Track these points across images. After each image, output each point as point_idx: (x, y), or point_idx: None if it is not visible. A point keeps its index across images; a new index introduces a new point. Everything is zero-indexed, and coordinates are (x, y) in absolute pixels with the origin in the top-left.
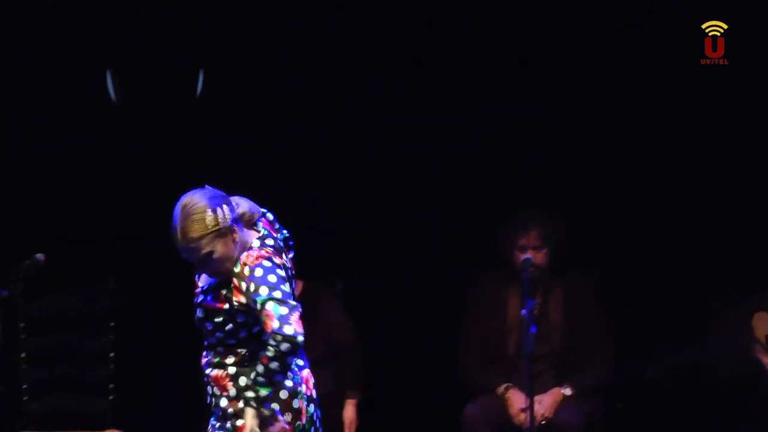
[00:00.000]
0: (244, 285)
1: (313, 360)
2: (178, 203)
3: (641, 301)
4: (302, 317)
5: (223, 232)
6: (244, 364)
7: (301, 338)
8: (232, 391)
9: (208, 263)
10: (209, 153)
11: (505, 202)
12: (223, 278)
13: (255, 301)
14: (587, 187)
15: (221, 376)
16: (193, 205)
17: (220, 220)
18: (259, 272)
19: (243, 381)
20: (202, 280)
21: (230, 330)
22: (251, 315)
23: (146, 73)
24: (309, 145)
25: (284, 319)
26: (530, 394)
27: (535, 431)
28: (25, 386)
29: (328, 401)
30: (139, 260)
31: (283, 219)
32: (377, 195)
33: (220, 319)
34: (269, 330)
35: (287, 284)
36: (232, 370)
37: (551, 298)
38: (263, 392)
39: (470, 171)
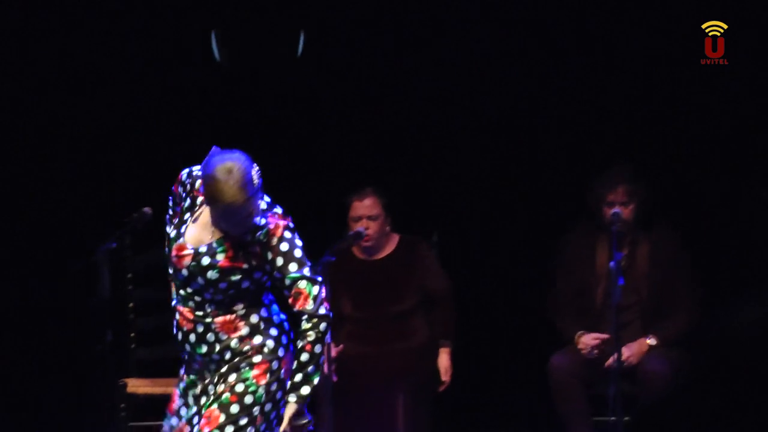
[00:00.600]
0: (269, 255)
1: (410, 309)
2: (216, 168)
3: (728, 254)
4: (400, 268)
5: (259, 191)
6: (251, 305)
7: (331, 315)
8: (245, 330)
9: (245, 223)
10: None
11: (595, 158)
12: (236, 239)
13: (284, 276)
14: (669, 145)
15: (229, 320)
16: (239, 168)
17: (258, 179)
18: (284, 246)
19: (255, 318)
20: (193, 241)
21: (246, 287)
22: (266, 272)
23: (249, 34)
24: (403, 97)
25: (318, 299)
26: (617, 343)
27: (619, 376)
28: (132, 335)
29: (424, 350)
30: None
31: (381, 171)
32: (471, 147)
33: (238, 277)
34: (300, 308)
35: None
36: (241, 311)
37: (638, 250)
38: (316, 379)
39: (563, 128)
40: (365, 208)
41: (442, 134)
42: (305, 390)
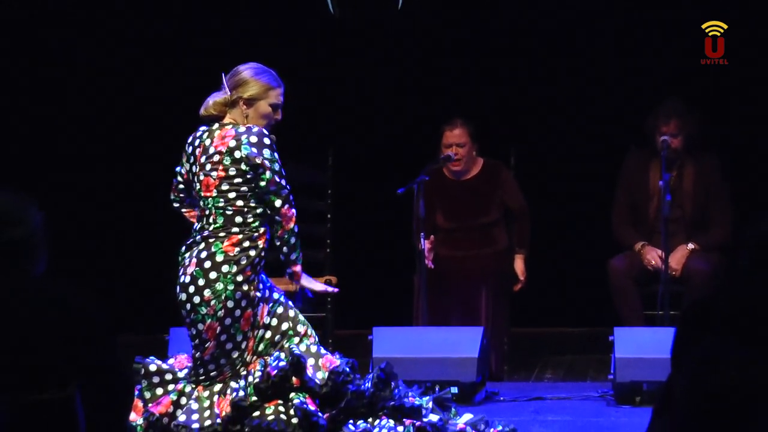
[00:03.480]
0: None
1: (492, 221)
2: (257, 63)
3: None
4: (484, 187)
5: None
6: None
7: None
8: None
9: None
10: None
11: (653, 94)
12: None
13: None
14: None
15: None
16: None
17: None
18: None
19: None
20: None
21: None
22: None
23: None
24: (486, 44)
25: None
26: (666, 249)
27: (669, 282)
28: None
29: (504, 255)
30: (352, 140)
31: (469, 104)
32: (544, 82)
33: None
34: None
35: None
36: None
37: (685, 172)
38: None
39: (623, 68)
40: (455, 136)
41: (521, 74)
42: None
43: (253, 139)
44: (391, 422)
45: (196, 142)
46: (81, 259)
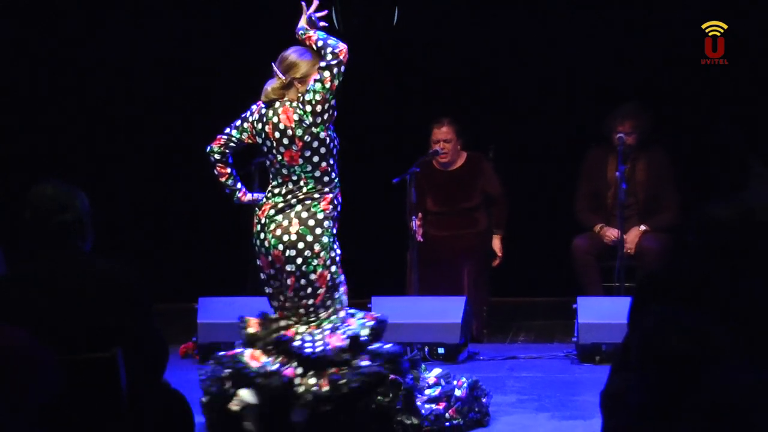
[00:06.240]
0: None
1: (474, 206)
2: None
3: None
4: (467, 176)
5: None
6: None
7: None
8: None
9: None
10: None
11: (609, 97)
12: None
13: None
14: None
15: None
16: None
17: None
18: None
19: None
20: None
21: None
22: None
23: (361, 5)
24: (468, 54)
25: None
26: (622, 232)
27: (625, 258)
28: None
29: (484, 235)
30: (354, 137)
31: (454, 105)
32: (518, 90)
33: None
34: None
35: None
36: None
37: (638, 164)
38: None
39: (585, 73)
40: (442, 133)
41: (497, 80)
42: None
43: (305, 105)
44: (367, 362)
45: (264, 119)
46: (121, 237)
